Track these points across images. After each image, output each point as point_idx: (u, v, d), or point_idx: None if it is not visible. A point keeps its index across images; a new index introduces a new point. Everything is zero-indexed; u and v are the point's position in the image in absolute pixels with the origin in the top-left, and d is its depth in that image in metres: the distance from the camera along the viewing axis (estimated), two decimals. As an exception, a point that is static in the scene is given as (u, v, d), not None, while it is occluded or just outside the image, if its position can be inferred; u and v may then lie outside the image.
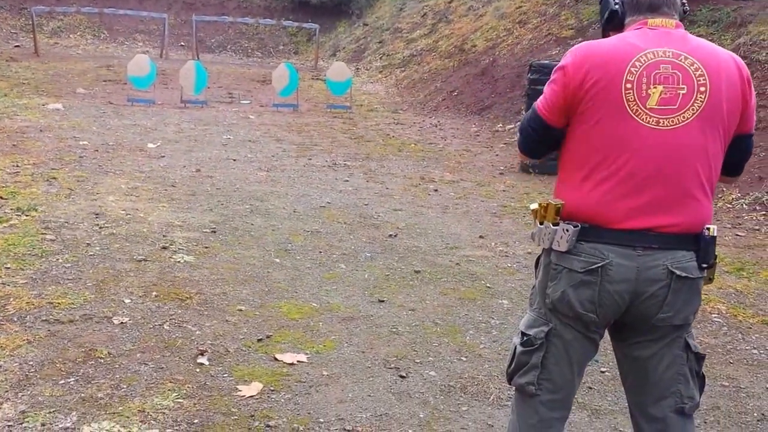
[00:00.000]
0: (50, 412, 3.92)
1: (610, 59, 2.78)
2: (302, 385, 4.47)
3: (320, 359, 4.84)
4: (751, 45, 12.91)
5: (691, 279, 2.77)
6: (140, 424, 3.89)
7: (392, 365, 4.83)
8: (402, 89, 21.94)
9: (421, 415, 4.24)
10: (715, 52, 2.83)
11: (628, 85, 2.73)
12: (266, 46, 31.95)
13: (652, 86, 2.72)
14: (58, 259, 6.22)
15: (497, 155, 13.58)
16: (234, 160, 11.25)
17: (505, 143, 14.59)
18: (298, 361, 4.77)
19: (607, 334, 3.03)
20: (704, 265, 2.80)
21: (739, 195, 9.76)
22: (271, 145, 12.82)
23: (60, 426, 3.81)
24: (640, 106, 2.72)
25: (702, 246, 2.78)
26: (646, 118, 2.72)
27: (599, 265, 2.76)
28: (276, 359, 4.78)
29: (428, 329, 5.49)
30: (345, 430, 4.02)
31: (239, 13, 31.58)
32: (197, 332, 5.08)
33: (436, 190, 10.30)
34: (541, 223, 2.88)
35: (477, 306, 6.05)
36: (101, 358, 4.57)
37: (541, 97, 2.93)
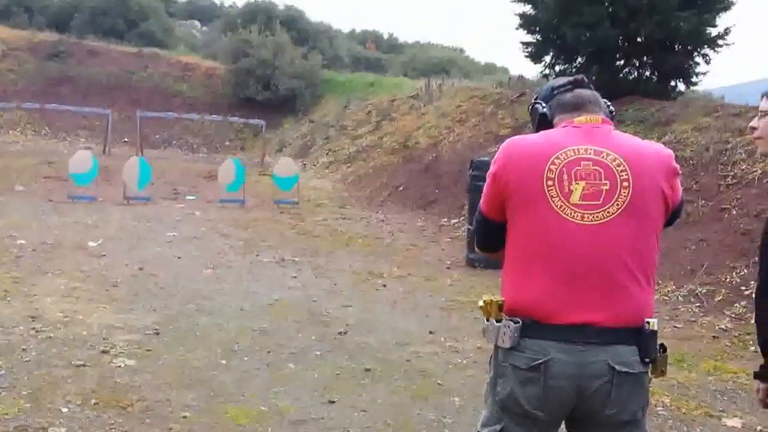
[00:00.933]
0: None
1: (530, 156, 2.85)
2: (250, 496, 4.27)
3: (269, 468, 4.63)
4: (675, 143, 13.38)
5: (633, 374, 2.74)
6: None
7: (345, 472, 4.64)
8: (348, 184, 22.05)
9: None
10: (640, 147, 2.91)
11: (549, 182, 2.77)
12: (212, 142, 32.01)
13: (574, 182, 2.77)
14: (-9, 367, 5.96)
15: (443, 249, 13.57)
16: (179, 257, 11.07)
17: (450, 237, 14.62)
18: (246, 471, 4.56)
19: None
20: (647, 360, 2.76)
21: (674, 287, 9.87)
22: (218, 242, 12.67)
23: None
24: (564, 201, 2.76)
25: (643, 340, 2.75)
26: (572, 213, 2.75)
27: (542, 361, 2.72)
28: (222, 469, 4.56)
29: (381, 430, 5.33)
30: None
31: (184, 109, 31.62)
32: (138, 442, 4.84)
33: (384, 285, 10.19)
34: (488, 320, 2.87)
35: (429, 404, 5.90)
36: (36, 472, 4.33)
37: (483, 195, 2.98)
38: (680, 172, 2.94)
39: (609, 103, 3.08)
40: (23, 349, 6.39)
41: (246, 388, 5.96)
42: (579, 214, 2.74)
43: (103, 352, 6.52)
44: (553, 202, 2.75)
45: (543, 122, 3.07)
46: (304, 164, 25.50)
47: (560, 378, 2.71)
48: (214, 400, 5.68)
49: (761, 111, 3.01)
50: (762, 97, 3.04)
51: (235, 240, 12.95)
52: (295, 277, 10.32)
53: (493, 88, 23.14)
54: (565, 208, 2.74)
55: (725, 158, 12.10)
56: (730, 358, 7.54)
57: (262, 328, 7.62)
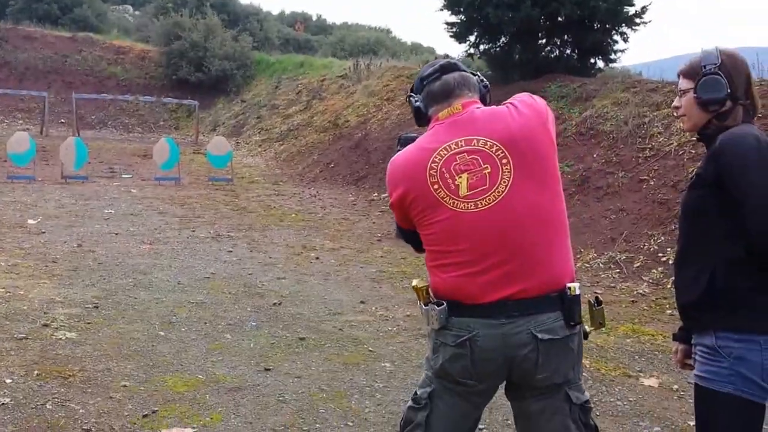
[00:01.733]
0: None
1: (409, 169, 3.01)
2: (190, 458, 4.48)
3: (207, 432, 4.84)
4: (596, 117, 13.93)
5: (557, 339, 2.88)
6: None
7: (280, 434, 4.86)
8: (281, 162, 22.27)
9: (310, 481, 4.29)
10: (496, 115, 2.98)
11: (435, 186, 2.91)
12: (147, 122, 31.90)
13: (456, 177, 2.89)
14: (-66, 342, 6.06)
15: (374, 222, 13.89)
16: (116, 234, 11.17)
17: (380, 211, 14.93)
18: (184, 435, 4.75)
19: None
20: (572, 323, 2.90)
21: (595, 255, 10.25)
22: (154, 218, 12.78)
23: None
24: (455, 197, 2.89)
25: (566, 305, 2.88)
26: (465, 206, 2.88)
27: (466, 337, 2.89)
28: (162, 434, 4.75)
29: (315, 396, 5.53)
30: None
31: (119, 91, 31.67)
32: (81, 411, 5.00)
33: (317, 258, 10.43)
34: (420, 303, 3.04)
35: (361, 370, 6.13)
36: (-19, 440, 4.46)
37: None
38: (536, 103, 3.03)
39: (482, 78, 3.18)
40: (-35, 325, 6.50)
41: (184, 358, 6.14)
42: (472, 203, 2.87)
43: (45, 325, 6.66)
44: (445, 202, 2.89)
45: (419, 117, 3.20)
46: (238, 143, 25.64)
47: (487, 351, 2.87)
48: (153, 369, 5.85)
49: (680, 90, 3.15)
50: (678, 75, 3.18)
51: (171, 216, 13.08)
52: (230, 251, 10.50)
53: (419, 68, 23.22)
54: (457, 203, 2.88)
55: (643, 131, 12.56)
56: (648, 322, 7.88)
57: (199, 301, 7.81)
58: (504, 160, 2.87)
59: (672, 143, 11.19)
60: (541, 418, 3.00)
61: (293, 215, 14.27)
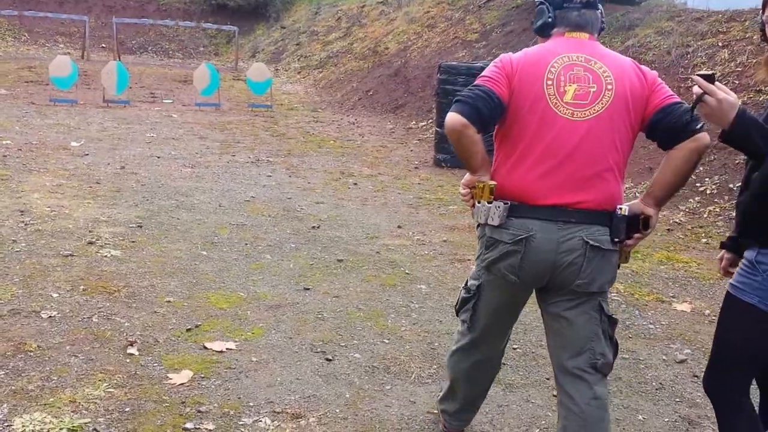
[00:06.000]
0: (-20, 405, 3.94)
1: (534, 62, 3.25)
2: (232, 371, 4.58)
3: (249, 346, 4.96)
4: (639, 47, 13.71)
5: (603, 249, 3.20)
6: (72, 414, 3.92)
7: (319, 349, 4.98)
8: (320, 89, 22.24)
9: (347, 395, 4.40)
10: (619, 59, 3.30)
11: (549, 82, 3.19)
12: (186, 48, 31.82)
13: (568, 84, 3.18)
14: (-17, 256, 6.23)
15: (412, 151, 13.92)
16: (158, 157, 11.29)
17: (418, 139, 14.98)
18: (227, 349, 4.87)
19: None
20: (616, 240, 3.21)
21: (632, 184, 10.26)
22: (195, 143, 12.88)
23: (-9, 418, 3.82)
24: (559, 100, 3.17)
25: (614, 223, 3.20)
26: (564, 110, 3.17)
27: (524, 236, 3.21)
28: (205, 348, 4.87)
29: (352, 314, 5.65)
30: (274, 412, 4.14)
31: (159, 16, 31.49)
32: (126, 324, 5.14)
33: (355, 184, 10.51)
34: (479, 202, 3.30)
35: (397, 291, 6.24)
36: (30, 351, 4.59)
37: (480, 78, 3.30)
38: (654, 74, 3.33)
39: (603, 20, 3.44)
40: (13, 241, 6.66)
41: (226, 277, 6.28)
42: (570, 111, 3.16)
43: (90, 243, 6.80)
44: (550, 100, 3.17)
45: (543, 28, 3.43)
46: (277, 70, 25.54)
47: (540, 252, 3.20)
48: (195, 287, 5.99)
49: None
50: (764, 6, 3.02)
51: (212, 141, 13.17)
52: (269, 176, 10.60)
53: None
54: (559, 106, 3.17)
55: (686, 62, 12.37)
56: (683, 250, 7.92)
57: (240, 223, 7.92)
58: (609, 87, 3.18)
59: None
60: (575, 323, 3.32)
61: (331, 142, 14.31)
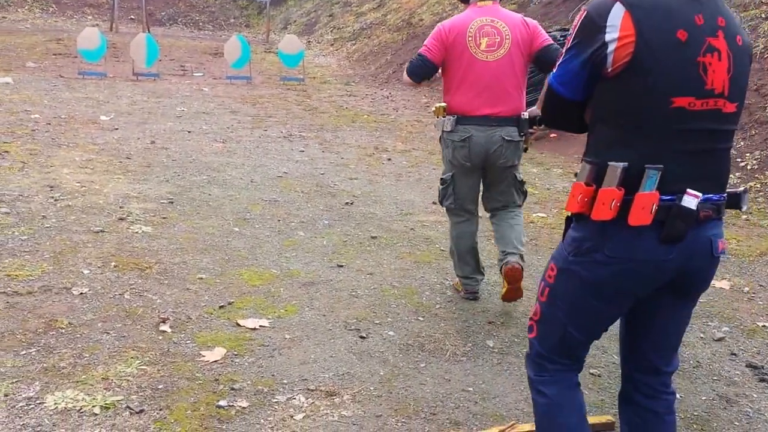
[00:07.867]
0: (13, 383, 3.90)
1: (459, 26, 5.09)
2: (265, 348, 4.54)
3: (282, 323, 4.91)
4: None
5: (515, 141, 5.13)
6: (104, 391, 3.89)
7: (352, 327, 4.93)
8: (353, 62, 22.02)
9: (382, 373, 4.35)
10: (513, 16, 5.17)
11: (469, 38, 5.04)
12: (217, 20, 31.78)
13: (481, 38, 5.04)
14: (13, 232, 6.19)
15: (448, 125, 13.64)
16: (189, 131, 11.24)
17: (455, 113, 14.69)
18: (260, 326, 4.83)
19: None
20: (522, 134, 5.12)
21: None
22: (226, 117, 12.81)
23: (23, 396, 3.79)
24: (477, 49, 5.04)
25: (520, 123, 5.10)
26: (481, 55, 5.04)
27: (467, 136, 5.12)
28: (238, 325, 4.83)
29: (386, 292, 5.60)
30: (308, 389, 4.09)
31: (189, -14, 31.39)
32: (158, 301, 5.12)
33: (389, 159, 10.41)
34: (437, 117, 5.25)
35: (432, 268, 6.18)
36: (62, 328, 4.57)
37: (423, 48, 5.13)
38: (535, 23, 5.19)
39: None
40: (43, 217, 6.62)
41: (259, 253, 6.23)
42: (485, 55, 5.04)
43: (120, 219, 6.77)
44: (471, 49, 5.03)
45: (464, 1, 5.35)
46: (309, 42, 25.42)
47: (477, 145, 5.10)
48: (228, 263, 5.94)
49: None
50: None
51: (243, 116, 13.09)
52: (302, 151, 10.52)
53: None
54: (477, 53, 5.03)
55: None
56: (723, 226, 7.71)
57: (272, 199, 7.87)
58: (507, 37, 5.05)
59: (758, 45, 10.80)
60: (499, 183, 5.36)
61: (365, 116, 14.19)
